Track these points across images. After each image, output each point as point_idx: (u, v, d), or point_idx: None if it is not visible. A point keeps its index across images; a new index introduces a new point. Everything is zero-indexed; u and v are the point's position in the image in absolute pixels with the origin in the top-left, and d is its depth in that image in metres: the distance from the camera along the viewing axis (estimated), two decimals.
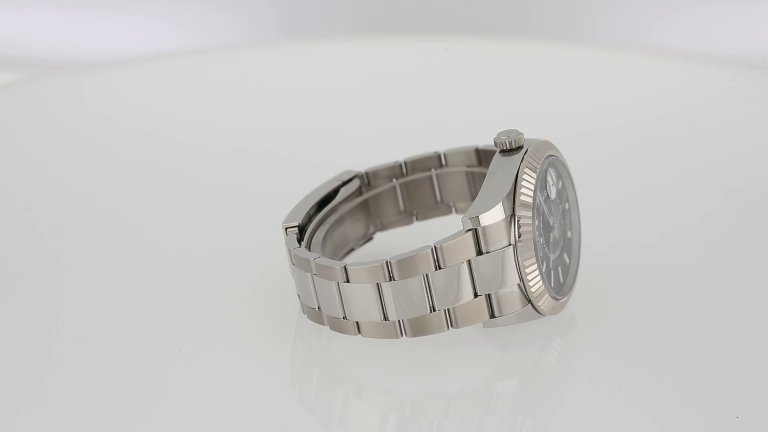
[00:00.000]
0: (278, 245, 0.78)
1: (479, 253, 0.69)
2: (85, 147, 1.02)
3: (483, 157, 0.80)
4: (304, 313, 0.74)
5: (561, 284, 0.74)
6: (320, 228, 0.77)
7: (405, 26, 1.47)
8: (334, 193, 0.79)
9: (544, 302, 0.71)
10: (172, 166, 0.98)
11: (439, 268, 0.69)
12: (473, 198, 0.80)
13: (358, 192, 0.81)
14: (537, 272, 0.70)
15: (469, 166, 0.80)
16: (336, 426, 0.70)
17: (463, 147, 0.80)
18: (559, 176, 0.74)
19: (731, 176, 0.92)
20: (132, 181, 0.95)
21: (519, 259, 0.70)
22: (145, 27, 1.49)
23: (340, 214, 0.79)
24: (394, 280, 0.69)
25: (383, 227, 0.82)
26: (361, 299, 0.70)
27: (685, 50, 1.40)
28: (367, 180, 0.81)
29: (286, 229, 0.75)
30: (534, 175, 0.71)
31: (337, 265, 0.70)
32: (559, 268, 0.74)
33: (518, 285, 0.70)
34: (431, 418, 0.69)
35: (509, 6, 1.47)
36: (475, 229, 0.69)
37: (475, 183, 0.81)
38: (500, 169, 0.71)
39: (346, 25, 1.48)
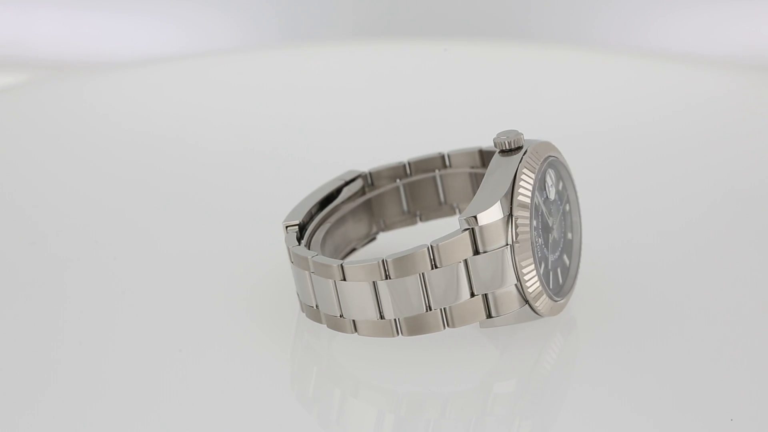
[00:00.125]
0: (279, 244, 0.78)
1: (476, 252, 0.69)
2: (86, 147, 1.02)
3: (486, 158, 0.80)
4: (303, 311, 0.74)
5: (560, 285, 0.74)
6: (321, 227, 0.77)
7: (406, 29, 1.47)
8: (337, 192, 0.79)
9: (542, 303, 0.71)
10: (172, 166, 0.98)
11: (436, 267, 0.69)
12: None
13: (361, 192, 0.80)
14: (534, 273, 0.70)
15: (472, 168, 0.80)
16: (333, 425, 0.70)
17: (467, 148, 0.80)
18: (559, 177, 0.74)
19: (731, 176, 0.92)
20: (132, 181, 0.96)
21: (516, 259, 0.69)
22: (148, 29, 1.50)
23: (342, 214, 0.79)
24: (390, 278, 0.69)
25: (386, 227, 0.82)
26: (358, 297, 0.70)
27: (684, 51, 1.40)
28: (370, 180, 0.81)
29: (286, 227, 0.75)
30: (532, 176, 0.71)
31: (334, 263, 0.70)
32: (559, 270, 0.73)
33: (515, 285, 0.70)
34: (428, 417, 0.69)
35: (510, 10, 1.47)
36: (472, 228, 0.69)
37: (478, 184, 0.80)
38: (499, 169, 0.71)
39: (347, 29, 1.48)
